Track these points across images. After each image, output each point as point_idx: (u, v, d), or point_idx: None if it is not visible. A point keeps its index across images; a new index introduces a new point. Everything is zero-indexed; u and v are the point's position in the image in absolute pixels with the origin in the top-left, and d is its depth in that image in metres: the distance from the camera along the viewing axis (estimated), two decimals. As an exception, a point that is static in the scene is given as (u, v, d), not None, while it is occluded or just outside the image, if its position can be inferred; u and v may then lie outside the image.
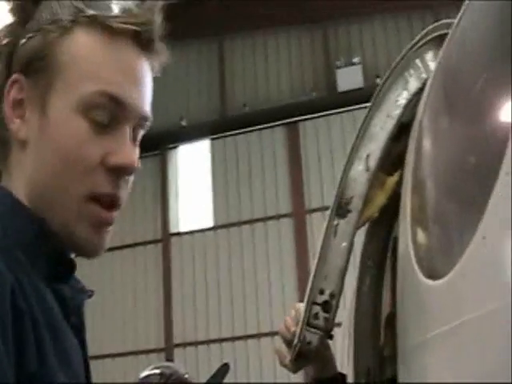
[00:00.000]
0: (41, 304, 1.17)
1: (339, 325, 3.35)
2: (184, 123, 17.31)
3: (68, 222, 1.25)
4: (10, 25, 1.31)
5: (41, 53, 1.26)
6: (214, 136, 17.29)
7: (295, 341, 2.03)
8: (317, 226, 15.37)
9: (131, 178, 1.32)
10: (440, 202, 1.66)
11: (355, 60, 16.19)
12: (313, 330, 1.96)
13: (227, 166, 17.13)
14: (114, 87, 1.25)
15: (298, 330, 1.99)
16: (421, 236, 1.68)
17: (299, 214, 16.20)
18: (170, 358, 15.10)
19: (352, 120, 16.08)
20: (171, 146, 17.51)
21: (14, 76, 1.27)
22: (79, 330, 1.30)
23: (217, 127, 17.19)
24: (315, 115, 16.43)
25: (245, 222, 16.67)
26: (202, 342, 16.25)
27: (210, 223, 16.81)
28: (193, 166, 17.30)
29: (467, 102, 1.60)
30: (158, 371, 2.70)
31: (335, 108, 16.20)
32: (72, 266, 1.30)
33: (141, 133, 1.34)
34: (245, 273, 16.26)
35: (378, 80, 15.90)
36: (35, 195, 1.26)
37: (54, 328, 1.18)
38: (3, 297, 1.07)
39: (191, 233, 16.70)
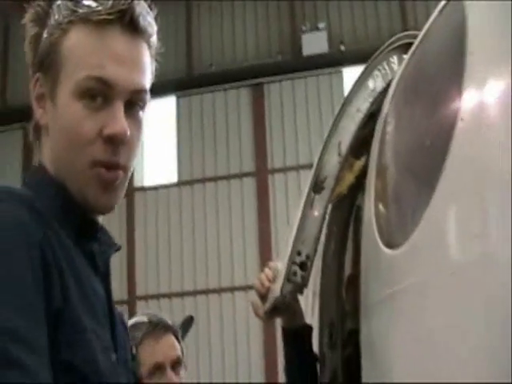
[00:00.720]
0: (67, 258, 1.38)
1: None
2: None
3: (80, 186, 1.46)
4: (33, 34, 1.52)
5: (48, 53, 1.48)
6: (180, 93, 17.38)
7: (273, 295, 2.39)
8: (278, 185, 15.87)
9: (135, 142, 1.50)
10: (398, 181, 2.07)
11: (320, 26, 16.39)
12: (291, 284, 2.34)
13: (192, 124, 17.26)
14: (98, 70, 1.43)
15: (280, 285, 2.32)
16: (382, 211, 2.08)
17: (262, 174, 16.44)
18: (132, 311, 15.31)
19: (315, 83, 16.41)
20: (136, 101, 17.47)
21: (36, 75, 1.51)
22: (105, 280, 1.54)
23: (183, 85, 17.29)
24: (280, 77, 16.64)
25: (209, 179, 16.84)
26: (164, 296, 16.43)
27: (174, 179, 16.94)
28: (158, 122, 17.36)
29: (423, 98, 2.02)
30: (145, 319, 2.72)
31: (299, 71, 16.43)
32: (95, 225, 1.53)
33: (139, 107, 1.50)
34: (207, 229, 16.46)
35: (342, 46, 16.22)
36: (56, 168, 1.49)
37: (78, 278, 1.40)
38: (33, 246, 1.29)
39: (155, 188, 16.76)
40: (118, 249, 1.63)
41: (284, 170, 15.95)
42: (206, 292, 16.21)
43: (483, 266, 1.38)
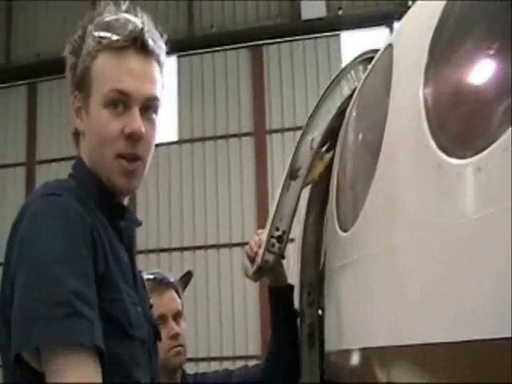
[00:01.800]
0: (105, 234, 1.78)
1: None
2: None
3: (108, 175, 1.86)
4: (71, 63, 1.92)
5: (83, 76, 1.88)
6: (181, 54, 17.24)
7: (258, 260, 2.86)
8: (276, 145, 15.94)
9: (150, 138, 1.88)
10: (349, 177, 2.61)
11: None
12: (270, 254, 2.83)
13: (192, 84, 17.28)
14: (118, 84, 1.82)
15: (261, 254, 2.83)
16: (339, 201, 2.62)
17: (260, 134, 16.50)
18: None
19: (313, 47, 16.46)
20: (139, 60, 17.51)
21: (74, 92, 1.92)
22: (130, 250, 1.93)
23: (184, 45, 16.94)
24: (279, 40, 16.66)
25: (208, 138, 16.89)
26: (164, 250, 16.59)
27: (174, 137, 16.97)
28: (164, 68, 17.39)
29: (372, 106, 2.54)
30: (151, 276, 2.93)
31: (298, 35, 16.47)
32: (121, 208, 1.95)
33: (152, 111, 1.88)
34: (206, 186, 16.57)
35: (340, 11, 16.34)
36: (90, 162, 1.90)
37: (114, 249, 1.79)
38: (85, 227, 1.68)
39: (156, 145, 16.73)
40: (140, 224, 2.06)
41: (281, 130, 16.05)
42: (204, 247, 16.35)
43: (390, 254, 1.96)
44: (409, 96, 1.94)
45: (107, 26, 1.87)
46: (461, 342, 1.53)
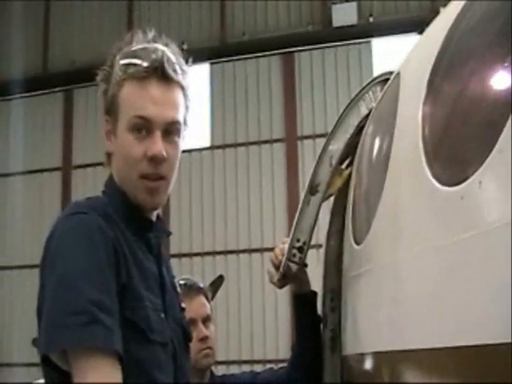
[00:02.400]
0: (128, 246, 1.93)
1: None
2: (185, 47, 17.38)
3: (134, 193, 2.03)
4: (103, 90, 2.10)
5: (111, 102, 2.04)
6: (214, 61, 17.48)
7: (281, 268, 3.02)
8: (307, 151, 15.93)
9: (173, 158, 2.02)
10: (362, 193, 2.80)
11: None
12: (292, 263, 3.01)
13: (225, 91, 17.37)
14: (141, 110, 1.98)
15: (283, 263, 3.00)
16: (355, 214, 2.82)
17: (291, 140, 16.56)
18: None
19: (345, 54, 16.51)
20: (171, 67, 17.67)
21: (105, 117, 2.10)
22: (158, 259, 2.09)
23: (216, 53, 17.43)
24: (310, 47, 16.74)
25: (240, 145, 16.98)
26: (197, 254, 16.70)
27: (207, 143, 17.04)
28: (192, 88, 17.61)
29: (382, 129, 2.73)
30: (182, 282, 3.06)
31: (329, 42, 16.54)
32: (148, 221, 2.10)
33: (174, 134, 2.02)
34: (238, 192, 16.67)
35: (371, 18, 16.41)
36: (119, 181, 2.07)
37: (137, 260, 1.95)
38: (107, 241, 1.84)
39: (189, 151, 16.51)
40: (169, 234, 2.27)
41: (313, 136, 16.07)
42: (236, 252, 16.45)
43: (398, 267, 2.15)
44: (410, 125, 2.14)
45: (132, 55, 2.04)
46: (459, 346, 1.71)
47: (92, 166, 17.55)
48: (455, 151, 1.86)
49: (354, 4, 16.42)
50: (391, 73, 3.04)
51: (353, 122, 3.10)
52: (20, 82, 18.46)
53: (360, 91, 3.16)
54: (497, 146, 1.50)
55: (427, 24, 2.57)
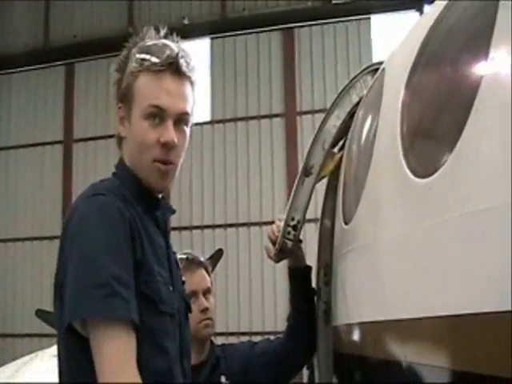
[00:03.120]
0: (142, 224, 2.11)
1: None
2: (186, 21, 17.60)
3: (146, 176, 2.19)
4: (117, 79, 2.27)
5: (126, 91, 2.21)
6: (214, 36, 17.59)
7: (277, 245, 3.21)
8: (306, 126, 16.01)
9: (181, 146, 2.19)
10: (352, 175, 3.01)
11: None
12: (287, 240, 3.20)
13: (225, 65, 17.46)
14: (156, 100, 2.14)
15: (279, 239, 3.18)
16: (344, 195, 3.04)
17: (291, 115, 16.65)
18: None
19: (344, 30, 16.55)
20: (172, 41, 17.57)
21: (119, 104, 2.26)
22: (165, 234, 2.28)
23: (217, 28, 17.52)
24: (310, 23, 16.81)
25: (240, 119, 17.09)
26: (197, 227, 16.88)
27: (207, 118, 17.10)
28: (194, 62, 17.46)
29: (368, 119, 2.93)
30: (183, 256, 3.18)
31: (329, 18, 16.60)
32: (157, 200, 2.28)
33: (184, 124, 2.19)
34: (238, 166, 16.80)
35: None
36: (131, 164, 2.23)
37: (149, 236, 2.12)
38: (125, 221, 2.01)
39: None
40: (174, 212, 2.43)
41: (312, 112, 16.15)
42: (236, 225, 16.59)
43: (378, 247, 2.38)
44: (391, 118, 2.35)
45: (148, 50, 2.21)
46: (429, 317, 1.94)
47: (93, 140, 17.74)
48: (427, 145, 2.07)
49: (354, -20, 16.36)
50: (381, 63, 3.23)
51: (344, 109, 3.29)
52: (21, 56, 18.60)
53: (351, 80, 3.35)
54: (458, 143, 1.72)
55: (426, 1, 2.72)
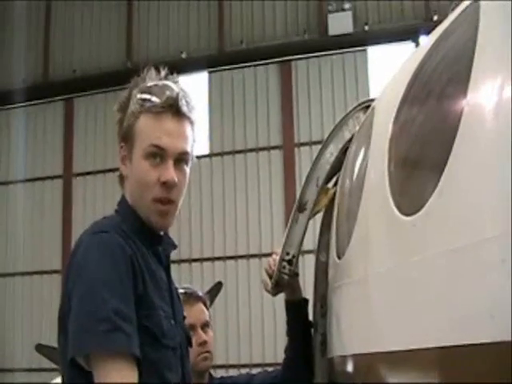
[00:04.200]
0: (144, 260, 2.14)
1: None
2: (184, 56, 17.88)
3: (146, 214, 2.23)
4: (119, 118, 2.30)
5: (128, 131, 2.24)
6: (212, 69, 17.79)
7: (273, 279, 3.25)
8: (304, 158, 16.15)
9: (181, 185, 2.21)
10: (344, 211, 3.09)
11: (346, 6, 16.72)
12: (283, 274, 3.22)
13: (223, 99, 17.66)
14: (156, 140, 2.17)
15: (275, 274, 3.22)
16: (337, 231, 3.11)
17: (288, 147, 16.86)
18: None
19: (341, 62, 16.82)
20: (170, 76, 17.67)
21: (121, 143, 2.29)
22: (167, 269, 2.31)
23: (215, 61, 17.75)
24: (307, 55, 17.01)
25: (238, 152, 17.27)
26: (196, 260, 17.01)
27: (205, 151, 17.22)
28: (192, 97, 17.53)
29: (359, 157, 3.01)
30: (182, 290, 3.12)
31: (325, 50, 16.82)
32: (158, 237, 2.31)
33: (184, 163, 2.22)
34: (237, 198, 16.94)
35: (366, 27, 16.62)
36: (132, 202, 2.26)
37: (151, 272, 2.15)
38: (126, 257, 2.05)
39: None
40: (175, 247, 2.45)
41: (309, 143, 16.36)
42: (235, 257, 16.69)
43: (365, 282, 2.46)
44: (379, 155, 2.43)
45: (149, 91, 2.25)
46: (419, 349, 2.00)
47: (92, 174, 17.84)
48: (412, 183, 2.15)
49: (350, 13, 16.70)
50: (372, 100, 3.31)
51: (337, 146, 3.36)
52: (21, 91, 18.73)
53: (344, 117, 3.42)
54: (441, 181, 1.80)
55: (422, 33, 2.80)
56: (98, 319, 1.96)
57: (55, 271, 17.35)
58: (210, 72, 17.99)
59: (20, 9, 19.34)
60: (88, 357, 2.02)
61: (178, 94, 2.23)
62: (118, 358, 1.97)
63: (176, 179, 2.19)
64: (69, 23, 19.40)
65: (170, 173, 2.18)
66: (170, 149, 2.19)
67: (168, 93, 2.22)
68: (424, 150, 2.15)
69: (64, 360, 2.10)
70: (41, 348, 9.65)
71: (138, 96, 2.25)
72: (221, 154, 17.49)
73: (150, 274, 2.17)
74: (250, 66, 17.67)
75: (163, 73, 2.33)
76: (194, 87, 17.18)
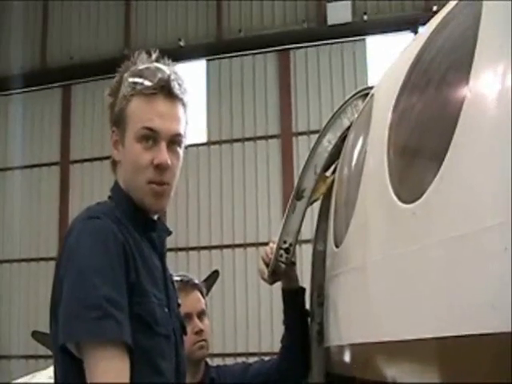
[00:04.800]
0: (137, 246, 2.12)
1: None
2: (182, 43, 17.81)
3: (140, 197, 2.21)
4: (110, 103, 2.29)
5: (119, 114, 2.23)
6: (210, 57, 17.72)
7: (269, 268, 3.24)
8: (302, 147, 16.11)
9: (175, 166, 2.21)
10: (342, 199, 3.06)
11: None
12: (280, 262, 3.22)
13: (221, 87, 17.60)
14: (148, 122, 2.16)
15: (272, 262, 3.21)
16: (335, 219, 3.09)
17: (286, 136, 16.78)
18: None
19: (339, 51, 16.73)
20: (169, 63, 17.63)
21: (112, 128, 2.29)
22: (161, 256, 2.29)
23: (213, 49, 17.68)
24: (305, 44, 16.93)
25: (236, 140, 17.19)
26: (193, 248, 16.97)
27: (203, 139, 17.22)
28: (189, 84, 17.54)
29: (358, 144, 2.99)
30: (178, 278, 3.16)
31: (324, 39, 16.75)
32: (152, 222, 2.29)
33: (177, 145, 2.22)
34: (234, 187, 16.90)
35: (365, 16, 16.57)
36: (125, 186, 2.25)
37: (144, 258, 2.13)
38: (118, 244, 2.03)
39: (186, 147, 16.45)
40: (170, 233, 2.43)
41: (307, 133, 16.25)
42: (232, 246, 16.68)
43: (366, 271, 2.43)
44: (378, 144, 2.40)
45: (140, 74, 2.23)
46: (416, 339, 1.99)
47: (89, 161, 17.81)
48: (412, 170, 2.13)
49: (349, 2, 16.59)
50: (371, 87, 3.28)
51: (335, 134, 3.34)
52: (19, 78, 18.68)
53: (342, 104, 3.40)
54: (441, 169, 1.77)
55: (421, 23, 2.77)
56: (88, 306, 1.95)
57: (52, 258, 17.32)
58: (208, 60, 17.92)
59: (18, -5, 19.26)
60: (78, 344, 2.00)
61: (169, 76, 2.21)
62: (109, 346, 1.95)
63: (169, 161, 2.18)
64: (67, 10, 19.31)
65: (163, 155, 2.17)
66: (163, 131, 2.18)
67: (159, 75, 2.21)
68: (424, 138, 2.12)
69: (55, 346, 2.09)
70: (37, 335, 9.66)
71: (130, 79, 2.24)
72: (219, 143, 17.42)
73: (142, 261, 2.16)
74: (248, 55, 17.58)
75: (154, 56, 2.31)
76: (192, 75, 17.24)
